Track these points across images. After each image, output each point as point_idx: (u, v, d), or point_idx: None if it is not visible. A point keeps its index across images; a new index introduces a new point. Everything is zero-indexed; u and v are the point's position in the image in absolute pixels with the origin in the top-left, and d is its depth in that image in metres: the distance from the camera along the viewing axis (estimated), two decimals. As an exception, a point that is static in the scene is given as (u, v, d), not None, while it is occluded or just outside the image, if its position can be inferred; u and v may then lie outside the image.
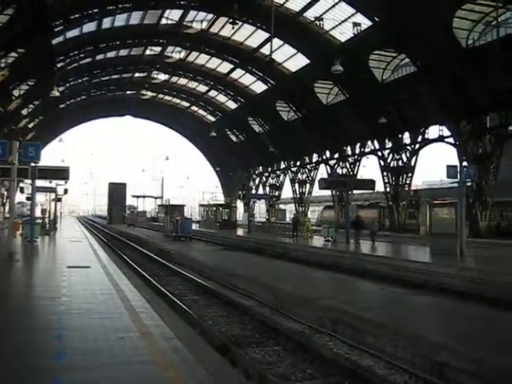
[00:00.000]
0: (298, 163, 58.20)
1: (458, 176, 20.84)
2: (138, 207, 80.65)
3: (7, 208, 59.26)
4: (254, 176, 70.12)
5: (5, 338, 7.07)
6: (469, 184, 27.69)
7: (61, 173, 22.65)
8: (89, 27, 40.34)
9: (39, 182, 26.61)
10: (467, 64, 31.35)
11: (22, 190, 38.80)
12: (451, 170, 20.95)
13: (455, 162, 33.40)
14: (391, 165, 42.45)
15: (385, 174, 42.99)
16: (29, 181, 25.34)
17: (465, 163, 32.18)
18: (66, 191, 40.76)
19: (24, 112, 50.24)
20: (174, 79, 60.74)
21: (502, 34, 28.90)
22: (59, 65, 43.56)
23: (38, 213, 35.47)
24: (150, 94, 67.50)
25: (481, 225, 33.96)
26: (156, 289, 14.32)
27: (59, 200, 43.85)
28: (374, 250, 25.17)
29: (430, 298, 13.38)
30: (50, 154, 72.00)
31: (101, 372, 5.61)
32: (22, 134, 51.49)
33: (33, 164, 20.98)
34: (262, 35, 42.09)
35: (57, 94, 36.25)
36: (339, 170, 49.11)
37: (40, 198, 41.76)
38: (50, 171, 22.50)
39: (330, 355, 8.59)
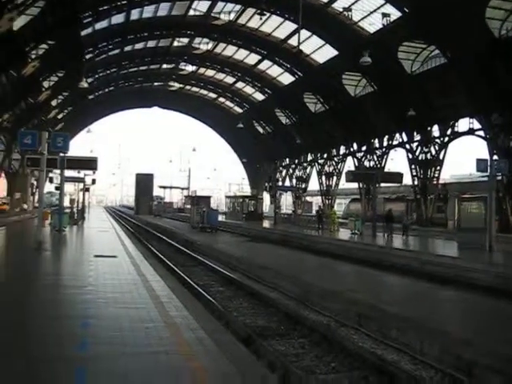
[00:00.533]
0: (325, 155, 57.87)
1: (489, 170, 20.48)
2: (164, 198, 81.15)
3: (36, 197, 60.35)
4: (281, 168, 69.97)
5: (30, 325, 7.16)
6: (499, 178, 27.24)
7: (89, 163, 23.00)
8: (117, 19, 40.67)
9: (68, 172, 27.03)
10: (500, 55, 30.69)
11: (51, 180, 39.46)
12: (481, 164, 20.60)
13: (484, 155, 32.82)
14: (419, 158, 41.94)
15: (413, 167, 42.50)
16: (58, 171, 25.78)
17: (495, 157, 31.59)
18: (94, 181, 41.20)
19: (53, 103, 50.96)
20: (202, 70, 60.86)
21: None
22: (88, 56, 43.99)
23: (66, 202, 36.03)
24: (177, 85, 67.78)
25: (511, 220, 33.33)
26: (182, 279, 14.39)
27: (87, 190, 44.40)
28: (403, 244, 24.90)
29: (458, 293, 13.18)
30: (79, 145, 72.96)
31: (125, 362, 5.62)
32: (52, 125, 52.25)
33: (61, 154, 21.29)
34: (289, 26, 41.84)
35: (85, 85, 36.65)
36: (366, 163, 48.70)
37: (69, 187, 42.36)
38: (78, 161, 22.87)
39: (355, 349, 8.51)
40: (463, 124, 38.39)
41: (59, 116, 56.76)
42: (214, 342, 6.50)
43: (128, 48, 50.00)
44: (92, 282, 10.43)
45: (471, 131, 37.42)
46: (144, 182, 71.24)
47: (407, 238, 27.81)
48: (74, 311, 7.99)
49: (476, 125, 36.78)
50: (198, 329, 7.07)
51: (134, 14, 41.07)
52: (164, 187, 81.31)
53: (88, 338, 6.41)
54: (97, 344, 6.18)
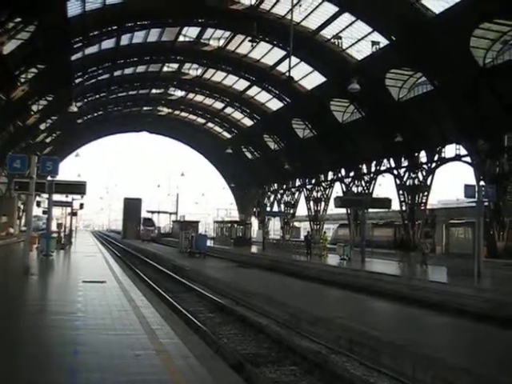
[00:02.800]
0: (313, 181, 58.01)
1: (476, 195, 20.64)
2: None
3: (23, 221, 59.81)
4: (269, 193, 70.00)
5: (19, 352, 7.04)
6: (486, 204, 27.43)
7: (78, 187, 22.86)
8: (107, 44, 40.85)
9: (55, 196, 26.87)
10: (484, 83, 31.18)
11: (38, 204, 39.12)
12: (469, 190, 20.77)
13: (470, 181, 33.03)
14: (407, 183, 42.14)
15: (400, 192, 42.66)
16: (45, 195, 25.61)
17: (482, 182, 31.87)
18: (81, 206, 40.94)
19: (42, 127, 50.84)
20: (191, 96, 61.12)
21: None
22: (77, 80, 44.08)
23: (53, 227, 35.74)
24: (166, 110, 67.97)
25: (498, 245, 33.50)
26: (171, 305, 14.27)
27: (75, 214, 44.07)
28: (393, 270, 24.86)
29: (448, 319, 13.19)
30: (67, 169, 72.67)
31: (117, 390, 5.55)
32: (40, 149, 52.07)
33: (50, 178, 21.20)
34: (278, 53, 42.28)
35: (75, 109, 36.67)
36: (354, 189, 48.83)
37: (56, 212, 42.08)
38: (66, 186, 22.72)
39: (348, 376, 8.45)
40: (450, 150, 38.71)
41: (47, 140, 56.60)
42: (205, 369, 6.44)
43: (118, 73, 50.18)
44: (81, 308, 10.31)
45: (458, 157, 37.72)
46: (132, 207, 70.90)
47: (426, 268, 25.20)
48: (64, 338, 7.87)
49: (462, 151, 37.07)
50: (189, 356, 7.00)
51: (124, 40, 41.29)
52: (152, 212, 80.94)
53: (79, 366, 6.32)
54: (88, 372, 6.09)
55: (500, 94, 30.76)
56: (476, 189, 21.17)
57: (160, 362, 6.62)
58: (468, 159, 36.49)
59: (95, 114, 63.30)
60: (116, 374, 6.04)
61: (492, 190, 22.85)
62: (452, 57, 30.98)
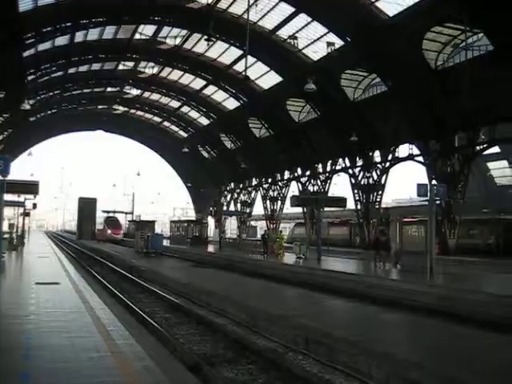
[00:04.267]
0: (270, 180, 58.27)
1: (428, 194, 21.09)
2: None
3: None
4: (226, 192, 69.96)
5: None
6: (438, 202, 28.07)
7: (30, 187, 22.33)
8: (61, 40, 40.01)
9: (7, 196, 26.16)
10: (436, 84, 31.97)
11: (-12, 204, 38.06)
12: (421, 189, 21.18)
13: (422, 180, 33.79)
14: (362, 182, 42.80)
15: (355, 191, 43.29)
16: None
17: (434, 181, 32.61)
18: (34, 206, 40.09)
19: (-7, 125, 49.49)
20: (147, 94, 60.54)
21: (470, 56, 29.54)
22: (30, 77, 43.07)
23: (5, 227, 34.82)
24: (121, 108, 67.07)
25: (450, 243, 34.37)
26: (127, 306, 14.13)
27: (27, 214, 43.09)
28: (348, 268, 25.17)
29: (401, 315, 13.47)
30: (19, 168, 70.52)
31: (71, 393, 5.48)
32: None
33: (1, 178, 20.62)
34: (235, 52, 42.30)
35: (27, 106, 35.74)
36: (310, 188, 49.29)
37: (8, 212, 41.00)
38: (18, 185, 22.12)
39: (303, 374, 8.55)
40: (403, 150, 39.50)
41: (-2, 138, 55.17)
42: (161, 370, 6.41)
43: (72, 70, 49.23)
44: (34, 311, 10.11)
45: (411, 157, 38.50)
46: (87, 207, 69.76)
47: (400, 267, 23.55)
48: (16, 342, 7.71)
49: (415, 150, 37.88)
50: (145, 358, 6.96)
51: (79, 37, 40.53)
52: (107, 211, 79.70)
53: (30, 371, 6.20)
54: (39, 377, 5.98)
55: (451, 95, 31.55)
56: (428, 188, 21.61)
57: (115, 364, 6.57)
58: (421, 159, 37.31)
59: (49, 112, 61.95)
60: (69, 378, 5.96)
61: (443, 188, 23.34)
62: (405, 58, 31.65)
